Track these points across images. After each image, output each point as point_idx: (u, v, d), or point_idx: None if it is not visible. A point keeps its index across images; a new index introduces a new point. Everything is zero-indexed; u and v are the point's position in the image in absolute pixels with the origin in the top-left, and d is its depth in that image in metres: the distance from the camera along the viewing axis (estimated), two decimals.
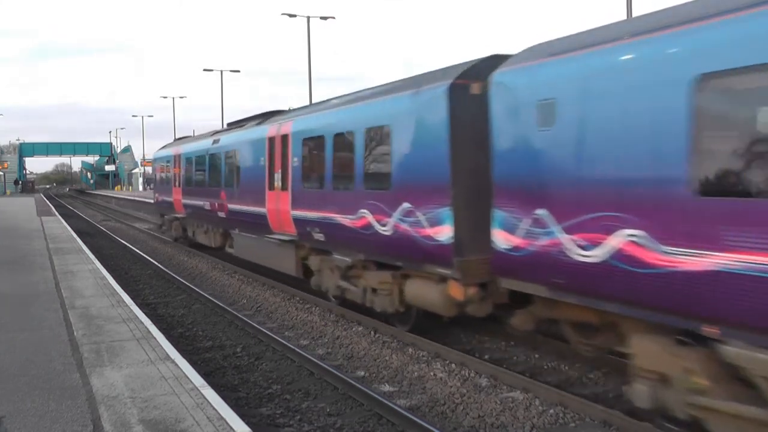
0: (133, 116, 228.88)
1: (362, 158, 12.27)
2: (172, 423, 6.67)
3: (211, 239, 22.95)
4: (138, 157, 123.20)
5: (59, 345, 9.82)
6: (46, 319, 11.60)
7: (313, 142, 14.30)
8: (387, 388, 9.87)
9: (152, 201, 33.02)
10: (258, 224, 17.31)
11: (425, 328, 12.09)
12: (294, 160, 15.06)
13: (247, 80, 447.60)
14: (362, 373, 10.56)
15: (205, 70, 64.26)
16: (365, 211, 12.03)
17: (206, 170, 22.21)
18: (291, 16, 43.67)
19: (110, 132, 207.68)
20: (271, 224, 16.40)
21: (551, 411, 8.57)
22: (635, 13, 24.21)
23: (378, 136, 11.85)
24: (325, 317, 14.21)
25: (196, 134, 29.06)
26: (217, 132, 23.38)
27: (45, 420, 6.86)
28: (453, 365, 10.52)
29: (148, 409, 7.09)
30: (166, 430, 6.50)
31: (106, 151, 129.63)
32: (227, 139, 20.48)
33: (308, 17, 43.70)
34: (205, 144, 22.75)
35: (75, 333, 10.49)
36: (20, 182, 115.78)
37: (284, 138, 15.69)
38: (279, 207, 15.77)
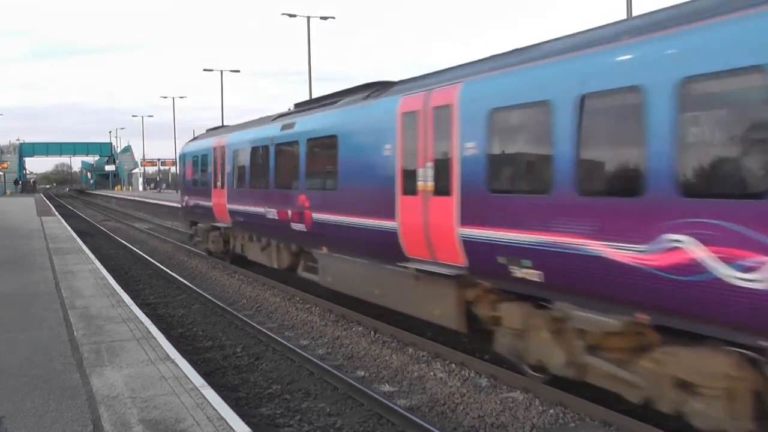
0: (133, 116, 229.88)
1: (671, 136, 6.81)
2: (172, 423, 6.67)
3: (272, 258, 17.36)
4: (138, 157, 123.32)
5: (59, 345, 9.82)
6: (46, 319, 11.60)
7: (521, 115, 8.92)
8: (387, 388, 9.87)
9: (180, 205, 26.86)
10: (376, 244, 11.93)
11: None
12: (466, 147, 9.64)
13: (247, 80, 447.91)
14: (362, 373, 10.56)
15: (205, 70, 64.67)
16: (684, 238, 6.70)
17: (270, 166, 16.59)
18: (291, 16, 43.75)
19: (110, 132, 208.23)
20: (405, 247, 11.12)
21: (551, 411, 8.58)
22: (635, 13, 24.20)
23: (729, 90, 6.55)
24: (325, 317, 14.21)
25: (236, 123, 22.64)
26: (285, 114, 17.39)
27: (45, 420, 6.86)
28: (453, 365, 10.51)
29: (148, 409, 7.09)
30: (166, 430, 6.50)
31: (106, 151, 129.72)
32: (310, 123, 14.82)
33: (308, 17, 43.78)
34: (268, 131, 17.04)
35: (75, 333, 10.49)
36: (20, 182, 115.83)
37: (442, 112, 10.18)
38: (428, 220, 10.43)
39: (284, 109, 19.82)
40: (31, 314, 12.00)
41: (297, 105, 17.78)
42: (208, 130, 24.94)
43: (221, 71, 62.33)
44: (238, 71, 71.91)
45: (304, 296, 16.02)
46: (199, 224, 23.94)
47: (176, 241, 29.84)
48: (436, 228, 10.30)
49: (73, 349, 9.56)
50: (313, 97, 16.57)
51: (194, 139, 25.23)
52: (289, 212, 15.26)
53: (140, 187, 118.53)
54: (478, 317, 10.13)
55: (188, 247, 26.90)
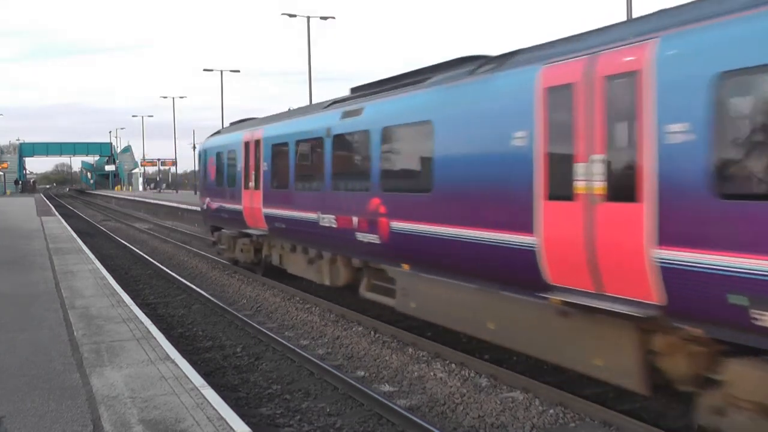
0: (133, 116, 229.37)
1: None
2: (172, 423, 6.67)
3: (323, 273, 14.58)
4: (138, 157, 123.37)
5: (59, 345, 9.82)
6: (46, 319, 11.60)
7: None
8: (387, 388, 9.87)
9: (200, 208, 23.58)
10: (496, 265, 9.15)
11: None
12: (670, 132, 6.81)
13: (247, 80, 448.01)
14: (362, 373, 10.56)
15: (205, 70, 64.79)
16: None
17: (326, 162, 13.67)
18: (291, 16, 43.78)
19: (110, 132, 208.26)
20: (548, 271, 8.26)
21: (551, 411, 8.58)
22: (635, 13, 24.20)
23: None
24: (325, 317, 14.20)
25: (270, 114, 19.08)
26: (343, 100, 14.33)
27: (45, 420, 6.86)
28: (453, 365, 10.51)
29: (148, 409, 7.09)
30: (166, 430, 6.50)
31: (106, 151, 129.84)
32: (388, 107, 11.89)
33: (308, 17, 43.78)
34: (322, 120, 14.08)
35: (75, 333, 10.49)
36: (20, 182, 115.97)
37: (622, 83, 7.32)
38: (595, 236, 7.57)
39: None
40: (31, 314, 12.00)
41: (355, 89, 14.65)
42: (232, 124, 22.05)
43: (221, 71, 62.48)
44: (238, 71, 72.21)
45: (304, 296, 16.02)
46: (223, 230, 20.74)
47: (176, 241, 29.86)
48: (610, 247, 7.38)
49: (73, 349, 9.55)
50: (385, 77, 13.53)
51: (217, 133, 22.34)
52: (354, 219, 12.40)
53: (140, 187, 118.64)
54: (663, 372, 7.39)
55: (188, 247, 26.91)
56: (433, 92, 10.71)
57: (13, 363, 8.92)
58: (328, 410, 8.92)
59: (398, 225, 11.13)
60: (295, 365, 10.88)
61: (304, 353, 11.09)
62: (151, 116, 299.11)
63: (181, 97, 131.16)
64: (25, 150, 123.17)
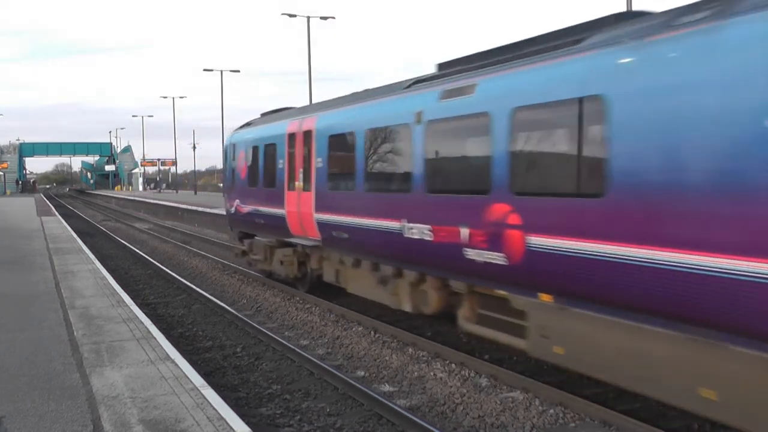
0: (133, 116, 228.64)
1: None
2: (172, 423, 6.67)
3: (402, 296, 11.94)
4: (138, 157, 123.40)
5: (59, 345, 9.82)
6: (46, 319, 11.60)
7: None
8: (387, 388, 9.87)
9: (226, 211, 20.78)
10: (723, 309, 6.30)
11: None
12: None
13: (247, 80, 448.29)
14: (362, 373, 10.56)
15: (205, 70, 64.81)
16: None
17: (415, 157, 10.82)
18: (291, 16, 43.78)
19: (110, 132, 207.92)
20: None
21: (551, 411, 8.58)
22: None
23: None
24: (325, 317, 14.20)
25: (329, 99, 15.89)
26: (432, 78, 11.33)
27: (45, 420, 6.86)
28: (453, 365, 10.51)
29: (148, 409, 7.09)
30: (166, 430, 6.50)
31: (106, 151, 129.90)
32: (515, 81, 9.05)
33: (308, 17, 43.78)
34: (408, 103, 11.24)
35: (75, 333, 10.49)
36: (20, 182, 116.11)
37: None
38: None
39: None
40: (31, 314, 12.00)
41: (443, 65, 11.60)
42: (264, 114, 19.09)
43: (221, 71, 62.51)
44: (238, 71, 72.17)
45: (304, 296, 16.01)
46: (256, 237, 17.89)
47: (176, 241, 29.87)
48: None
49: (73, 349, 9.56)
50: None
51: (247, 124, 19.29)
52: (463, 231, 9.63)
53: (140, 187, 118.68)
54: None
55: (188, 247, 26.91)
56: (601, 56, 7.72)
57: (13, 363, 8.92)
58: (328, 410, 8.92)
59: (540, 241, 8.29)
60: (295, 365, 10.88)
61: (304, 353, 11.09)
62: (151, 116, 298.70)
63: (181, 97, 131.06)
64: (25, 150, 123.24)
